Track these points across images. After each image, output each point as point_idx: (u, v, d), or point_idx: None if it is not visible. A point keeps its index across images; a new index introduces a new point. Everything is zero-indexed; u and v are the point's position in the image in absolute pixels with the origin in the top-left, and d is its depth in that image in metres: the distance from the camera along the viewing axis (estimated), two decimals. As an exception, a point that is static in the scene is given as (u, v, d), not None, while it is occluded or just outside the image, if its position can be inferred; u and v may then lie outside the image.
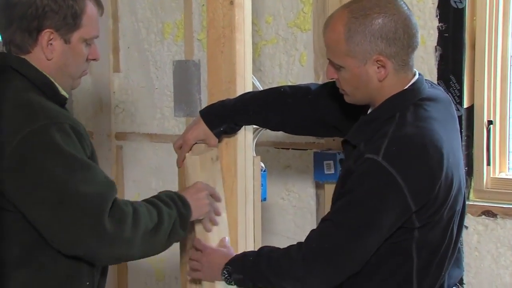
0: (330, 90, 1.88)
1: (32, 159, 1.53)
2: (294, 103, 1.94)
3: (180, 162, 1.98)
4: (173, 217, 1.70)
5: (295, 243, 1.74)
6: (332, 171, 2.57)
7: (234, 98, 1.95)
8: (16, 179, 1.54)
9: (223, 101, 1.95)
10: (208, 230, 1.90)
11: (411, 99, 1.68)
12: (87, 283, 1.67)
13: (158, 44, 3.08)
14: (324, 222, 1.69)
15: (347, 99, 1.74)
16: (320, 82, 2.66)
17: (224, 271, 1.80)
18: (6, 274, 1.60)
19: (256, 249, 1.87)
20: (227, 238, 1.93)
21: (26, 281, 1.61)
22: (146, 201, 1.71)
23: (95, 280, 1.70)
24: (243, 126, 2.00)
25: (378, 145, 1.60)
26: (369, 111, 1.75)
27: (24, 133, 1.54)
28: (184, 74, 2.98)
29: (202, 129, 1.93)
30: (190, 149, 1.96)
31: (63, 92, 1.71)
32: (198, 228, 1.90)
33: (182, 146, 1.96)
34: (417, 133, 1.62)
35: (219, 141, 1.97)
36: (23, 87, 1.64)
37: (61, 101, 1.70)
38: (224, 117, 1.92)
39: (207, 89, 2.03)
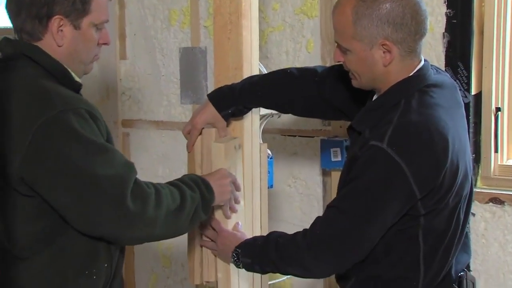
0: (337, 73, 1.89)
1: (51, 146, 1.55)
2: (301, 84, 1.94)
3: (190, 147, 1.98)
4: (196, 200, 1.71)
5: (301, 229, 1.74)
6: (339, 158, 2.57)
7: (241, 81, 1.95)
8: (36, 166, 1.55)
9: (230, 84, 1.95)
10: (227, 217, 1.91)
11: (416, 85, 1.68)
12: (105, 264, 1.69)
13: (164, 31, 3.07)
14: (329, 209, 1.69)
15: (354, 83, 1.75)
16: (327, 68, 2.66)
17: (234, 254, 1.82)
18: (26, 256, 1.62)
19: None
20: (240, 223, 1.95)
21: (46, 263, 1.63)
22: (170, 183, 1.73)
23: (114, 259, 1.72)
24: (250, 112, 2.00)
25: (383, 132, 1.60)
26: (374, 97, 1.75)
27: (42, 120, 1.55)
28: (191, 61, 2.97)
29: (210, 112, 1.93)
30: (200, 133, 1.95)
31: (77, 79, 1.73)
32: (217, 213, 1.92)
33: (191, 131, 1.96)
34: (422, 120, 1.62)
35: (227, 125, 1.97)
36: (37, 74, 1.64)
37: (76, 88, 1.71)
38: (232, 100, 1.93)
39: (214, 76, 2.03)
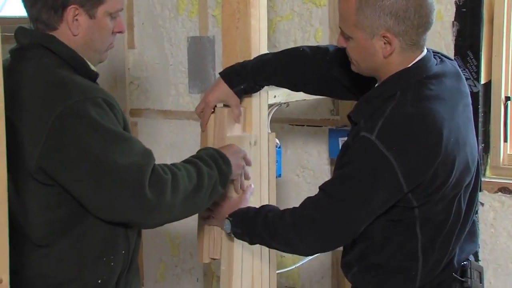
0: (345, 53, 1.88)
1: (69, 135, 1.56)
2: (313, 62, 1.94)
3: (204, 125, 1.98)
4: (213, 177, 1.73)
5: None
6: (347, 148, 2.56)
7: (253, 58, 1.96)
8: (55, 155, 1.57)
9: (242, 61, 1.95)
10: (237, 192, 1.93)
11: (413, 77, 1.66)
12: (123, 251, 1.71)
13: (172, 20, 3.07)
14: (319, 192, 1.72)
15: (353, 68, 1.75)
16: (336, 58, 2.65)
17: (226, 222, 1.84)
18: (46, 244, 1.64)
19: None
20: (252, 185, 1.95)
21: (65, 250, 1.65)
22: (187, 161, 1.74)
23: (131, 247, 1.74)
24: (259, 101, 2.00)
25: (374, 123, 1.61)
26: (376, 85, 1.75)
27: (60, 110, 1.56)
28: (199, 50, 2.97)
29: (223, 89, 1.93)
30: (213, 111, 1.96)
31: (93, 68, 1.74)
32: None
33: (204, 109, 1.97)
34: (415, 112, 1.61)
35: (240, 102, 1.97)
36: (54, 64, 1.65)
37: (92, 77, 1.73)
38: (244, 76, 1.93)
39: (222, 65, 2.02)
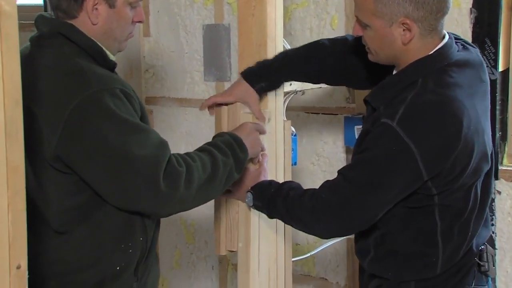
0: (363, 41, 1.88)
1: (86, 125, 1.57)
2: (333, 52, 1.95)
3: (212, 111, 1.99)
4: (228, 165, 1.73)
5: None
6: (363, 136, 2.55)
7: (273, 56, 1.96)
8: (71, 145, 1.58)
9: (262, 60, 1.96)
10: (254, 164, 1.93)
11: (434, 65, 1.66)
12: (141, 238, 1.73)
13: (188, 8, 3.06)
14: (338, 176, 1.73)
15: (370, 57, 1.74)
16: (351, 45, 2.63)
17: (248, 195, 1.86)
18: (65, 230, 1.66)
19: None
20: (267, 154, 1.95)
21: (83, 237, 1.67)
22: (202, 149, 1.75)
23: (149, 234, 1.75)
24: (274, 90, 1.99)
25: (395, 110, 1.60)
26: (394, 71, 1.74)
27: (78, 99, 1.57)
28: (214, 38, 2.97)
29: (243, 87, 1.93)
30: (224, 104, 1.96)
31: (112, 57, 1.75)
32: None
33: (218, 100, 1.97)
34: (436, 100, 1.60)
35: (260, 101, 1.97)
36: (73, 53, 1.66)
37: (110, 66, 1.73)
38: (265, 73, 1.93)
39: (238, 53, 2.02)
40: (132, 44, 3.15)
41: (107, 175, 1.59)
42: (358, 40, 1.86)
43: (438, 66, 1.66)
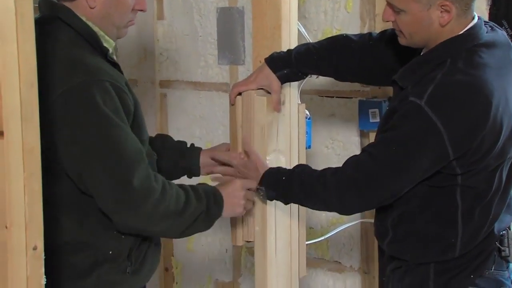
0: (389, 36, 1.88)
1: (67, 115, 1.59)
2: (358, 47, 1.94)
3: (232, 99, 1.98)
4: (199, 210, 1.73)
5: None
6: (377, 120, 2.54)
7: (298, 46, 1.95)
8: (53, 133, 1.59)
9: (287, 49, 1.95)
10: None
11: (464, 45, 1.66)
12: None
13: (201, -9, 3.05)
14: (362, 153, 1.74)
15: (402, 41, 1.74)
16: (366, 29, 2.61)
17: (259, 190, 1.86)
18: (56, 218, 1.67)
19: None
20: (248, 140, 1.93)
21: (75, 223, 1.69)
22: (182, 186, 1.75)
23: None
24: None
25: (424, 89, 1.60)
26: (423, 52, 1.73)
27: (63, 89, 1.58)
28: (228, 22, 2.95)
29: (265, 73, 1.93)
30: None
31: (106, 44, 1.73)
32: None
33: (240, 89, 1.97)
34: (465, 80, 1.60)
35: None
36: (69, 41, 1.67)
37: (104, 52, 1.72)
38: (288, 61, 1.93)
39: (252, 35, 2.01)
40: (146, 27, 3.15)
41: (82, 165, 1.61)
42: (383, 35, 1.86)
43: (467, 46, 1.66)
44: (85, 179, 1.62)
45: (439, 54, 1.66)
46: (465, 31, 1.66)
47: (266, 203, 1.93)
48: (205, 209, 1.74)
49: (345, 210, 1.81)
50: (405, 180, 1.66)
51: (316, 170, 1.81)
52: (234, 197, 1.82)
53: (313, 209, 1.89)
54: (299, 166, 1.88)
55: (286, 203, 1.87)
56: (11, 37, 1.19)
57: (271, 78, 1.92)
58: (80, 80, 1.59)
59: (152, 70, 3.20)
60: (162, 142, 2.03)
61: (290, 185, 1.80)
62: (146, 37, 3.16)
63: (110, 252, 1.71)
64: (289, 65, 1.92)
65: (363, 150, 1.74)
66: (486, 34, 1.69)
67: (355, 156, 1.76)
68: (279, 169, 1.87)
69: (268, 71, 1.92)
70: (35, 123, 1.26)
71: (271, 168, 1.87)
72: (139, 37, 3.16)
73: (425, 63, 1.68)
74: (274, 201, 1.92)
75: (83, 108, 1.58)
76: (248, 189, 1.87)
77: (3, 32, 1.18)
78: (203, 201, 1.74)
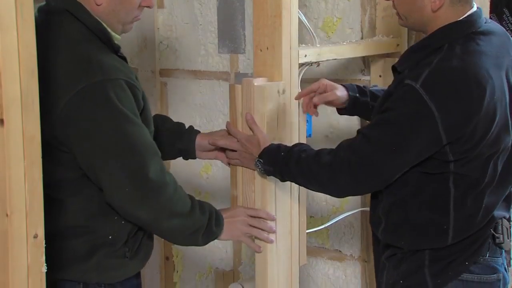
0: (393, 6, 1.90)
1: (85, 112, 1.61)
2: None
3: (300, 96, 2.02)
4: (200, 222, 1.76)
5: None
6: (378, 108, 2.54)
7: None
8: (67, 127, 1.62)
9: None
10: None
11: (462, 31, 1.67)
12: None
13: (202, -21, 3.04)
14: (357, 135, 1.74)
15: (400, 22, 1.77)
16: (367, 17, 2.61)
17: (257, 163, 1.86)
18: (60, 201, 1.70)
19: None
20: (252, 118, 1.92)
21: (75, 207, 1.71)
22: (188, 195, 1.78)
23: None
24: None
25: (420, 72, 1.62)
26: (423, 37, 1.77)
27: (80, 87, 1.60)
28: (228, 10, 2.95)
29: (340, 86, 1.99)
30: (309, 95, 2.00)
31: (117, 38, 1.75)
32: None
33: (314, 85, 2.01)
34: (461, 66, 1.61)
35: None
36: (80, 36, 1.67)
37: (115, 49, 1.74)
38: (364, 93, 2.00)
39: (252, 24, 2.01)
40: (146, 16, 3.13)
41: (94, 161, 1.64)
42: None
43: (465, 33, 1.67)
44: (98, 173, 1.65)
45: (437, 39, 1.68)
46: (463, 18, 1.68)
47: (266, 190, 1.93)
48: (206, 223, 1.77)
49: (337, 191, 1.80)
50: (399, 163, 1.67)
51: (314, 150, 1.82)
52: (236, 224, 1.86)
53: (307, 188, 1.89)
54: (298, 145, 1.89)
55: (282, 180, 1.88)
56: (11, 25, 1.19)
57: (340, 88, 1.99)
58: (97, 79, 1.61)
59: (153, 59, 3.20)
60: (162, 122, 2.06)
61: (287, 162, 1.81)
62: (146, 25, 3.15)
63: (110, 237, 1.73)
64: (364, 95, 1.99)
65: (358, 131, 1.74)
66: (484, 24, 1.71)
67: (349, 139, 1.77)
68: (279, 146, 1.88)
69: (343, 87, 2.00)
70: (35, 111, 1.26)
71: (272, 144, 1.88)
72: (139, 25, 3.15)
73: (422, 48, 1.70)
74: (274, 191, 1.93)
75: (100, 106, 1.61)
76: (252, 216, 1.90)
77: (3, 21, 1.18)
78: (206, 215, 1.77)
